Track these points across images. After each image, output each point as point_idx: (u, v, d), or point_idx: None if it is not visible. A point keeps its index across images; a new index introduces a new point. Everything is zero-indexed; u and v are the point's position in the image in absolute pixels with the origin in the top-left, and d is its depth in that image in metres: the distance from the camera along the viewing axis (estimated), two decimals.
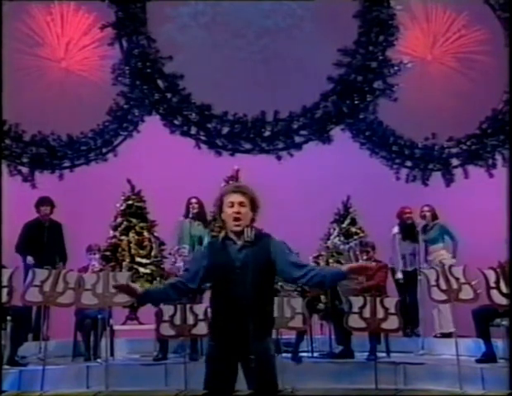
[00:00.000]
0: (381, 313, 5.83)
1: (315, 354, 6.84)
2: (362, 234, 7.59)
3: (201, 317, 5.78)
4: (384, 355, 6.58)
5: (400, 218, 7.47)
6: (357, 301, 5.96)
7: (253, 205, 3.20)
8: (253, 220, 3.22)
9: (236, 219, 3.14)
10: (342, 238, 7.56)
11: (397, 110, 7.10)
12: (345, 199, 7.68)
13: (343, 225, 7.64)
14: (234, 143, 6.55)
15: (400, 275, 7.29)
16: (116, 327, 6.85)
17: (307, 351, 6.82)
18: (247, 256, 3.13)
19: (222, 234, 3.23)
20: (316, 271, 3.18)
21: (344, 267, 3.21)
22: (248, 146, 6.68)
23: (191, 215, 7.38)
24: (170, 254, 7.17)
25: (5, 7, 6.75)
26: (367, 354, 6.46)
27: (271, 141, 6.64)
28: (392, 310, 5.85)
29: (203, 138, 6.59)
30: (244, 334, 3.03)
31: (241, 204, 3.16)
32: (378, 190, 7.87)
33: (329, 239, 7.64)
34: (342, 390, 5.97)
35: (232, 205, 3.16)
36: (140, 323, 7.16)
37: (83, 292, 5.84)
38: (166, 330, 5.89)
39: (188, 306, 5.86)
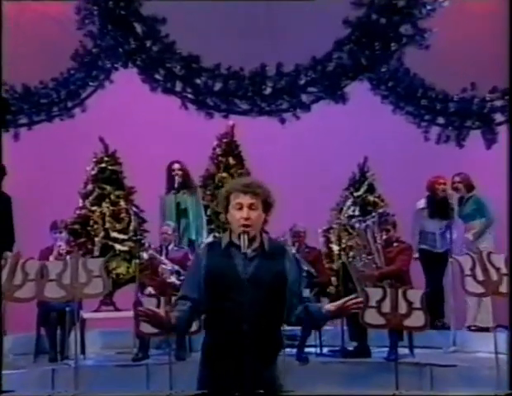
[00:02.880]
0: (403, 308, 5.69)
1: (325, 350, 6.80)
2: (381, 204, 7.47)
3: None
4: (407, 352, 6.52)
5: (432, 190, 7.28)
6: (374, 293, 5.81)
7: (266, 206, 3.07)
8: (265, 222, 3.09)
9: (245, 226, 3.00)
10: (357, 209, 7.42)
11: (428, 54, 6.81)
12: (361, 161, 7.54)
13: (359, 193, 7.53)
14: (228, 103, 6.34)
15: (416, 255, 7.17)
16: (86, 315, 6.81)
17: (315, 346, 6.78)
18: (258, 268, 3.00)
19: (226, 239, 3.09)
20: (302, 311, 3.06)
21: (325, 309, 3.05)
22: (245, 106, 6.46)
23: (176, 185, 7.19)
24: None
25: None
26: (386, 351, 6.41)
27: (273, 100, 6.44)
28: (417, 304, 5.72)
29: (190, 96, 6.38)
30: (248, 362, 2.94)
31: (251, 206, 3.02)
32: (402, 152, 7.77)
33: (342, 210, 7.52)
34: None
35: (240, 207, 3.02)
36: (117, 310, 7.14)
37: (47, 283, 5.71)
38: (147, 327, 5.64)
39: (174, 298, 5.73)
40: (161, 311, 3.02)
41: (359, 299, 3.04)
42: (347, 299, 3.03)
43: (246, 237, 3.00)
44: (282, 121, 6.47)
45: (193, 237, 7.31)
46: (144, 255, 6.91)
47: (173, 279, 6.64)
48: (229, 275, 3.01)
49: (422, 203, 7.37)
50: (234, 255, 3.04)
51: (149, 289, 6.65)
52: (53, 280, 5.72)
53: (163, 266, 6.62)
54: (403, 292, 5.77)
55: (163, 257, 6.78)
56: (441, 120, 7.15)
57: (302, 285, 3.16)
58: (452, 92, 7.10)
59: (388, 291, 5.79)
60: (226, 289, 3.00)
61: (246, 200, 3.02)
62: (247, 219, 3.00)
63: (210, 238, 7.33)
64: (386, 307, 5.71)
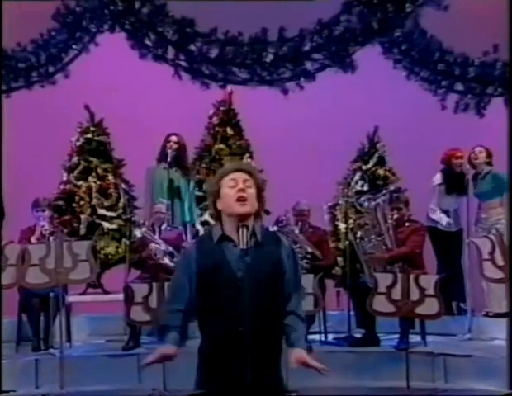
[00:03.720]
0: (415, 295, 5.74)
1: (330, 337, 6.83)
2: (392, 178, 7.46)
3: None
4: (419, 339, 6.55)
5: (448, 163, 7.23)
6: (384, 278, 5.85)
7: (259, 195, 3.06)
8: (258, 214, 3.09)
9: (241, 199, 2.98)
10: (366, 184, 7.40)
11: (446, 15, 6.70)
12: (371, 131, 7.50)
13: (368, 166, 7.50)
14: (225, 72, 6.26)
15: (445, 221, 7.14)
16: (72, 299, 6.84)
17: (319, 333, 6.81)
18: (253, 262, 2.99)
19: (217, 232, 3.07)
20: (293, 322, 3.09)
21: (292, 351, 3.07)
22: (244, 75, 6.39)
23: (169, 159, 7.16)
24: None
25: None
26: (396, 339, 6.43)
27: (274, 68, 6.36)
28: (430, 291, 5.76)
29: (184, 64, 6.31)
30: (247, 364, 2.97)
31: (246, 182, 3.02)
32: (416, 122, 7.71)
33: (349, 185, 7.50)
34: (363, 389, 6.02)
35: (235, 183, 3.01)
36: (105, 292, 7.18)
37: (29, 268, 5.74)
38: (138, 314, 5.86)
39: (167, 284, 5.76)
40: (168, 350, 3.06)
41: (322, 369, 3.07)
42: (315, 364, 3.06)
43: (245, 231, 2.99)
44: (285, 91, 6.42)
45: (187, 219, 7.29)
46: (137, 232, 6.90)
47: (166, 260, 6.65)
48: (223, 272, 3.00)
49: (438, 178, 7.32)
50: (226, 250, 3.03)
51: None
52: (35, 264, 5.75)
53: (157, 246, 6.62)
54: (415, 278, 5.80)
55: (156, 236, 6.78)
56: (460, 87, 7.04)
57: (298, 275, 3.15)
58: (472, 56, 6.98)
59: (399, 277, 5.82)
60: (220, 287, 3.00)
61: (241, 175, 3.03)
62: (242, 190, 2.99)
63: (206, 216, 7.36)
64: (397, 293, 5.75)
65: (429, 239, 7.18)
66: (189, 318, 3.11)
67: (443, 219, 7.23)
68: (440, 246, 7.26)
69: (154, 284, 5.82)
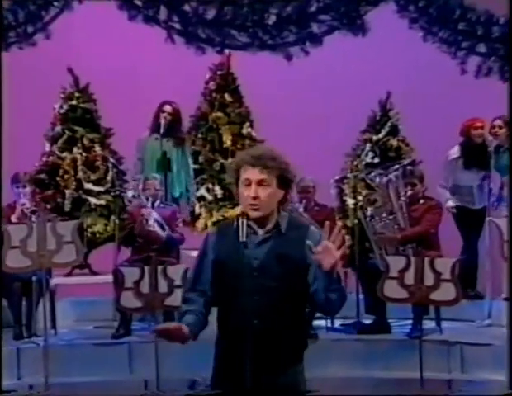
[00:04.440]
0: (430, 280, 5.72)
1: (336, 323, 6.84)
2: (405, 149, 7.43)
3: (178, 282, 5.73)
4: (433, 326, 6.58)
5: (467, 134, 7.15)
6: (396, 262, 5.83)
7: (284, 182, 3.05)
8: (284, 200, 3.10)
9: (253, 206, 3.02)
10: (377, 156, 7.37)
11: None
12: (383, 98, 7.43)
13: (380, 136, 7.46)
14: (223, 35, 6.25)
15: (451, 203, 7.12)
16: (56, 281, 6.85)
17: (325, 318, 6.82)
18: (269, 254, 3.02)
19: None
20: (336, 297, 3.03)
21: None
22: (243, 39, 6.39)
23: (162, 130, 7.12)
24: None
25: None
26: (409, 326, 6.46)
27: (277, 32, 6.34)
28: (447, 275, 5.74)
29: (178, 26, 6.26)
30: (253, 363, 2.99)
31: (261, 183, 3.01)
32: (433, 88, 7.67)
33: (359, 157, 7.48)
34: (372, 381, 6.06)
35: (249, 183, 3.02)
36: (93, 273, 7.20)
37: (9, 251, 5.73)
38: (129, 301, 5.88)
39: (160, 268, 5.81)
40: (182, 327, 3.00)
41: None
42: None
43: (245, 222, 3.02)
44: (289, 57, 6.37)
45: (177, 194, 7.31)
46: (129, 193, 6.91)
47: (157, 228, 6.66)
48: (237, 260, 3.04)
49: (456, 152, 7.24)
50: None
51: None
52: (16, 247, 5.73)
53: (149, 212, 6.62)
54: (430, 261, 5.78)
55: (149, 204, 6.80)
56: (482, 48, 7.04)
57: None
58: (497, 13, 6.93)
59: (412, 260, 5.81)
60: (234, 277, 3.04)
61: (255, 174, 3.01)
62: (255, 198, 3.01)
63: (203, 191, 7.35)
64: (410, 278, 5.73)
65: (454, 219, 7.18)
66: (209, 306, 3.13)
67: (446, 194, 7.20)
68: (466, 225, 7.22)
69: (146, 268, 5.83)
